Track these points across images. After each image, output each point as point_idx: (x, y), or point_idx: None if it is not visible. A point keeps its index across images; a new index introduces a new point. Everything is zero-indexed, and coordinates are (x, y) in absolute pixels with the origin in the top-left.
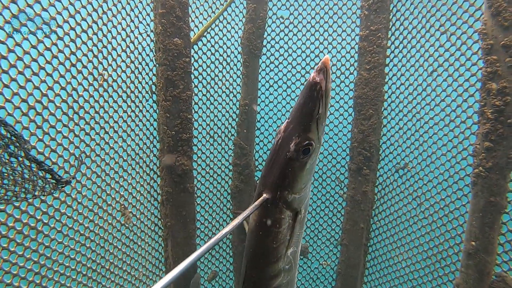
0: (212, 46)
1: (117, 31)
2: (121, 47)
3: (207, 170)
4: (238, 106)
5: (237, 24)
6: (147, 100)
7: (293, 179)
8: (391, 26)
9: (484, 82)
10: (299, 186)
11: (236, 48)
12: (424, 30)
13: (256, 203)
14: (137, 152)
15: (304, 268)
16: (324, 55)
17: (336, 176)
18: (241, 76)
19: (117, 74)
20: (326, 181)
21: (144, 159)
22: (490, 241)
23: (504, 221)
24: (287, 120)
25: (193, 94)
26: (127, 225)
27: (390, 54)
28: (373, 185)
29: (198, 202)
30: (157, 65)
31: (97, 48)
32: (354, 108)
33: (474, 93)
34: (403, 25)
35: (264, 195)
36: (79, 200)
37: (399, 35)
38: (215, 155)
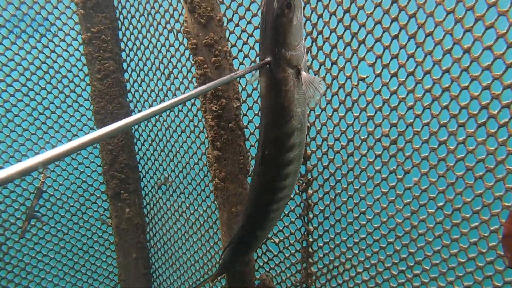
0: None
1: None
2: None
3: None
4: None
5: None
6: None
7: (286, 36)
8: (120, 26)
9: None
10: (292, 43)
11: None
12: (152, 28)
13: (257, 64)
14: None
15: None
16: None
17: (97, 218)
18: None
19: None
20: (88, 213)
21: None
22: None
23: None
24: None
25: None
26: None
27: (126, 58)
28: (139, 208)
29: None
30: None
31: None
32: (96, 126)
33: None
34: (131, 23)
35: (266, 59)
36: None
37: (130, 36)
38: None
